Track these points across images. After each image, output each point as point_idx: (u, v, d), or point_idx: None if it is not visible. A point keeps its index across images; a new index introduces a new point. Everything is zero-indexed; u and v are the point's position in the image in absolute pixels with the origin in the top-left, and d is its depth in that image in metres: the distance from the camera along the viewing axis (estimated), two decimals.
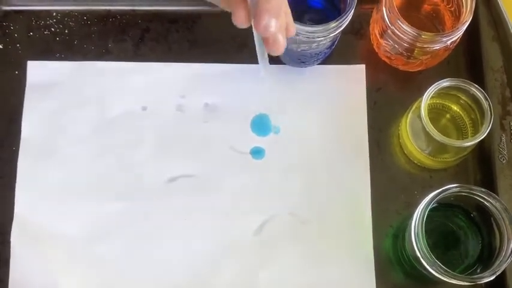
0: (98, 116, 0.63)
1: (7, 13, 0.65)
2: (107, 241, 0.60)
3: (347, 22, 0.54)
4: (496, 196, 0.51)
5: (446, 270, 0.50)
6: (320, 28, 0.54)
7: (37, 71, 0.63)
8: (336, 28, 0.54)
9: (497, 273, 0.50)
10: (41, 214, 0.60)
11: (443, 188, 0.51)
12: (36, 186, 0.61)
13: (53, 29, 0.65)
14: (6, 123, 0.62)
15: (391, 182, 0.61)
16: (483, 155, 0.61)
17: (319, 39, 0.55)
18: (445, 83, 0.56)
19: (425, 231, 0.51)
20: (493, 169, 0.60)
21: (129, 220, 0.60)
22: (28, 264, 0.59)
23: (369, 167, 0.61)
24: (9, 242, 0.59)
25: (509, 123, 0.61)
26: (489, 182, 0.60)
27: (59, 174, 0.61)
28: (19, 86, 0.63)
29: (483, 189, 0.51)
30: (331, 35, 0.55)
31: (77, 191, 0.61)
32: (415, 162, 0.61)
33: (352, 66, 0.64)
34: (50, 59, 0.64)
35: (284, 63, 0.63)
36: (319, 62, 0.63)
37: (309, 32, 0.54)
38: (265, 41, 0.44)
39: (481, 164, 0.62)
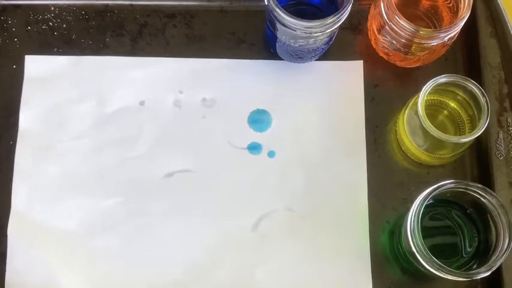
0: (95, 110, 0.63)
1: (5, 7, 0.65)
2: (104, 236, 0.60)
3: (344, 18, 0.54)
4: (493, 192, 0.51)
5: (442, 266, 0.50)
6: (317, 23, 0.53)
7: (35, 65, 0.63)
8: (333, 24, 0.54)
9: (493, 269, 0.50)
10: (38, 208, 0.60)
11: (439, 184, 0.51)
12: (33, 181, 0.61)
13: (50, 24, 0.65)
14: (4, 118, 0.62)
15: (388, 178, 0.61)
16: (480, 151, 0.61)
17: (317, 34, 0.55)
18: (442, 79, 0.56)
19: (421, 227, 0.51)
20: (490, 166, 0.60)
21: (127, 215, 0.60)
22: (25, 259, 0.59)
23: (365, 163, 0.61)
24: (6, 236, 0.59)
25: (507, 120, 0.61)
26: (486, 179, 0.60)
27: (56, 169, 0.61)
28: (17, 81, 0.63)
29: (479, 185, 0.51)
30: (328, 31, 0.55)
31: (74, 186, 0.61)
32: (412, 158, 0.61)
33: (349, 62, 0.64)
34: (47, 54, 0.64)
35: (281, 59, 0.63)
36: (316, 57, 0.63)
37: (306, 27, 0.54)
38: None
39: (478, 161, 0.62)
